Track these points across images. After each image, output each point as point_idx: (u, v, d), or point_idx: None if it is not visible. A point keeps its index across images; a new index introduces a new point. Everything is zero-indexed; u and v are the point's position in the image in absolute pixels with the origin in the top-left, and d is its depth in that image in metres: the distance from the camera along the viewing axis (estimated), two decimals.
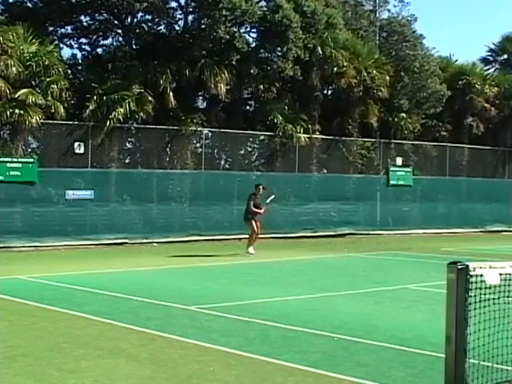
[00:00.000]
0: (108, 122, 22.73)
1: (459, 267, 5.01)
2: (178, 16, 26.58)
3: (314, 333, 9.35)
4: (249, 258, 19.36)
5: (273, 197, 21.03)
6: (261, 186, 20.68)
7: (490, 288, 5.41)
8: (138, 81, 23.74)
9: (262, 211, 20.37)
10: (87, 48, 27.23)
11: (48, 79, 21.97)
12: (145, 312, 10.84)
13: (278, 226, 25.61)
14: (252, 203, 20.26)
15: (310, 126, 27.14)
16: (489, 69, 37.64)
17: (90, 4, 25.62)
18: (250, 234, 20.45)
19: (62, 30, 27.04)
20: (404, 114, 29.92)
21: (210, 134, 26.30)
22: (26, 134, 22.11)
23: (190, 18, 26.27)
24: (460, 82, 31.94)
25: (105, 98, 22.94)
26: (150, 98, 23.48)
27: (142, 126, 24.15)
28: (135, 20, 26.79)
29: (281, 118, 26.36)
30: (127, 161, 25.35)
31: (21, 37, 22.14)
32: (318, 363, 7.74)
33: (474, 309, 5.29)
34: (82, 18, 26.77)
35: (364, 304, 11.96)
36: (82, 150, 22.56)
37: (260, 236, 20.80)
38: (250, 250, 20.07)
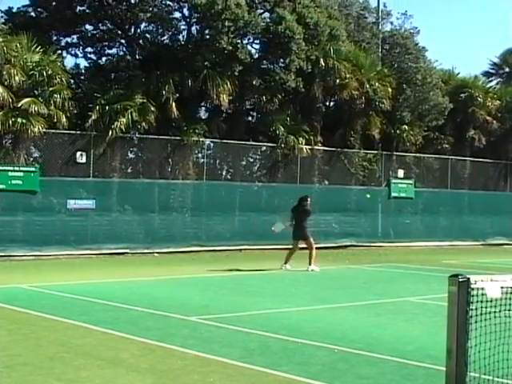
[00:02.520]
0: (110, 132, 22.74)
1: (460, 280, 5.00)
2: (182, 27, 26.61)
3: (315, 344, 9.32)
4: (248, 269, 19.14)
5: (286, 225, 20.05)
6: (309, 198, 19.57)
7: (491, 301, 5.40)
8: (140, 91, 23.76)
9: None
10: (90, 57, 27.30)
11: (51, 89, 22.02)
12: (145, 322, 10.82)
13: (279, 237, 25.54)
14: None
15: (311, 138, 27.12)
16: (491, 81, 37.71)
17: (93, 14, 25.73)
18: (310, 250, 19.39)
19: (66, 40, 27.10)
20: (406, 127, 29.91)
21: (211, 145, 26.28)
22: (28, 143, 22.13)
23: (194, 28, 26.32)
24: (462, 95, 31.93)
25: (107, 107, 22.95)
26: (152, 108, 23.48)
27: (144, 136, 24.15)
28: (138, 30, 26.86)
29: (283, 129, 26.34)
30: (129, 171, 25.35)
31: (24, 46, 22.18)
32: (319, 375, 7.71)
33: (475, 322, 5.27)
34: (86, 27, 26.83)
35: (365, 316, 11.94)
36: (83, 160, 22.58)
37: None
38: (315, 267, 19.06)
